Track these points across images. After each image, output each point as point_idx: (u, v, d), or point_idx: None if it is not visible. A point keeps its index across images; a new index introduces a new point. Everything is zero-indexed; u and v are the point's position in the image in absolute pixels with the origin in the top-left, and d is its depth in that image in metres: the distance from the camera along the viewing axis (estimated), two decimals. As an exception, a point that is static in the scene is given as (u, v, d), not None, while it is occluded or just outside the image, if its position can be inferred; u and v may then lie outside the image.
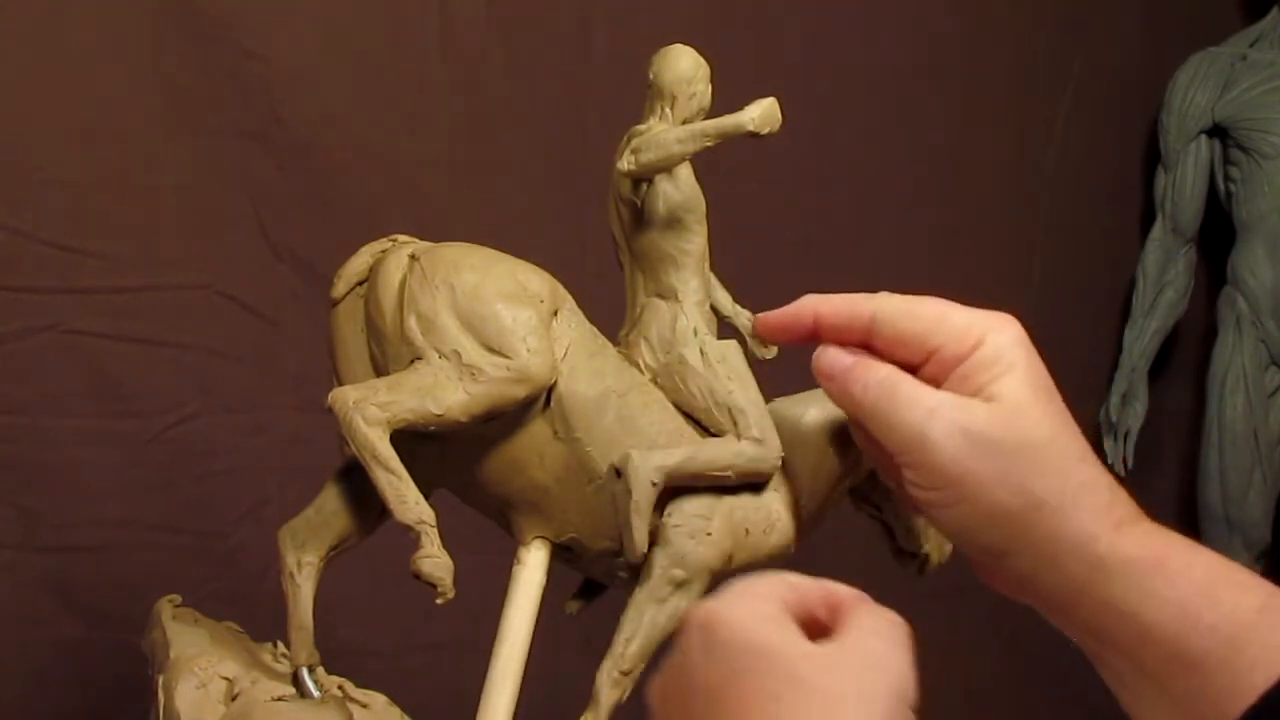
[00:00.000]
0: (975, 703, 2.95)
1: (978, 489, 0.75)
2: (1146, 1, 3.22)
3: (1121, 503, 0.79)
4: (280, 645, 1.85)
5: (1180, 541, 0.77)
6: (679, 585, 1.77)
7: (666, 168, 1.80)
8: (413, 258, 1.77)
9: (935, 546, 1.83)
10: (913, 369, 0.82)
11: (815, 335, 0.86)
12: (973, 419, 0.77)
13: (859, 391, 0.80)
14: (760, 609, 0.69)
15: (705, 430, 1.82)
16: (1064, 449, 0.78)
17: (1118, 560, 0.74)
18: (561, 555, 1.84)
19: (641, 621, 1.77)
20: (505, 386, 1.69)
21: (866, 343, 0.84)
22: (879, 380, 0.80)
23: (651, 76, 1.85)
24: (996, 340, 0.80)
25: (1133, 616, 0.72)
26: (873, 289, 2.88)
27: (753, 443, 1.79)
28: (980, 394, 0.78)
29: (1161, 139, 3.21)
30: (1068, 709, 2.65)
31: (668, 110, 1.82)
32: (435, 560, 1.65)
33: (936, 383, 0.81)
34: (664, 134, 1.78)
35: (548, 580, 1.82)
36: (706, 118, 1.83)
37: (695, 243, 1.85)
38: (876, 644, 0.68)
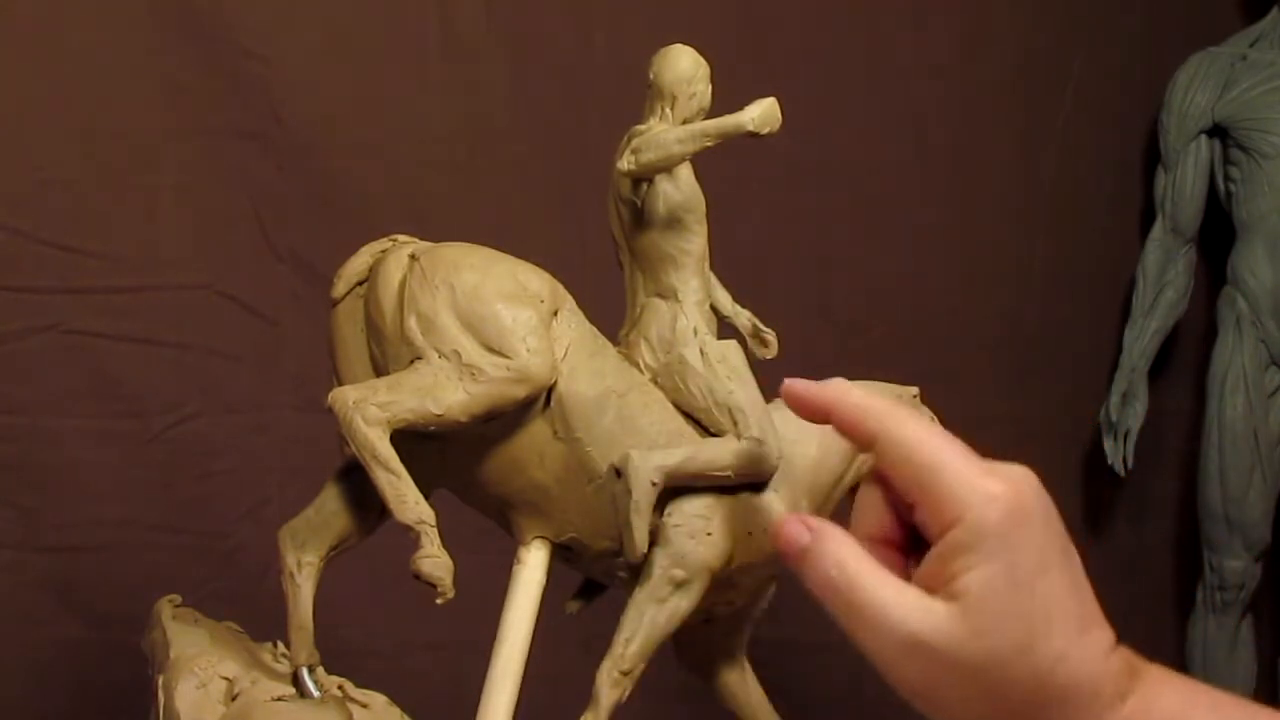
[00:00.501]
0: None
1: (948, 702, 0.70)
2: (1146, 1, 3.22)
3: (1113, 680, 0.71)
4: (280, 645, 1.85)
5: (1183, 701, 0.72)
6: (679, 585, 1.77)
7: (666, 167, 1.80)
8: (413, 258, 1.77)
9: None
10: (909, 508, 0.75)
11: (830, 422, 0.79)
12: (932, 631, 0.68)
13: (815, 579, 0.71)
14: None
15: (705, 430, 1.82)
16: (1039, 656, 0.69)
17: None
18: (561, 555, 1.84)
19: (641, 621, 1.77)
20: (505, 386, 1.69)
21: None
22: (833, 573, 0.71)
23: (651, 76, 1.85)
24: (979, 521, 0.69)
25: None
26: (872, 290, 2.87)
27: (753, 443, 1.79)
28: (950, 584, 0.69)
29: (1161, 139, 3.20)
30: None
31: (668, 110, 1.83)
32: (435, 560, 1.65)
33: (929, 532, 0.72)
34: (664, 134, 1.78)
35: (548, 580, 1.82)
36: (706, 117, 1.83)
37: (695, 243, 1.85)
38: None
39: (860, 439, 0.75)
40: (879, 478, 0.75)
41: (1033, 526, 0.71)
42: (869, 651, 0.70)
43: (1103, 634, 0.72)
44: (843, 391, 0.76)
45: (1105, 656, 0.71)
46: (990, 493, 0.70)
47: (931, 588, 0.70)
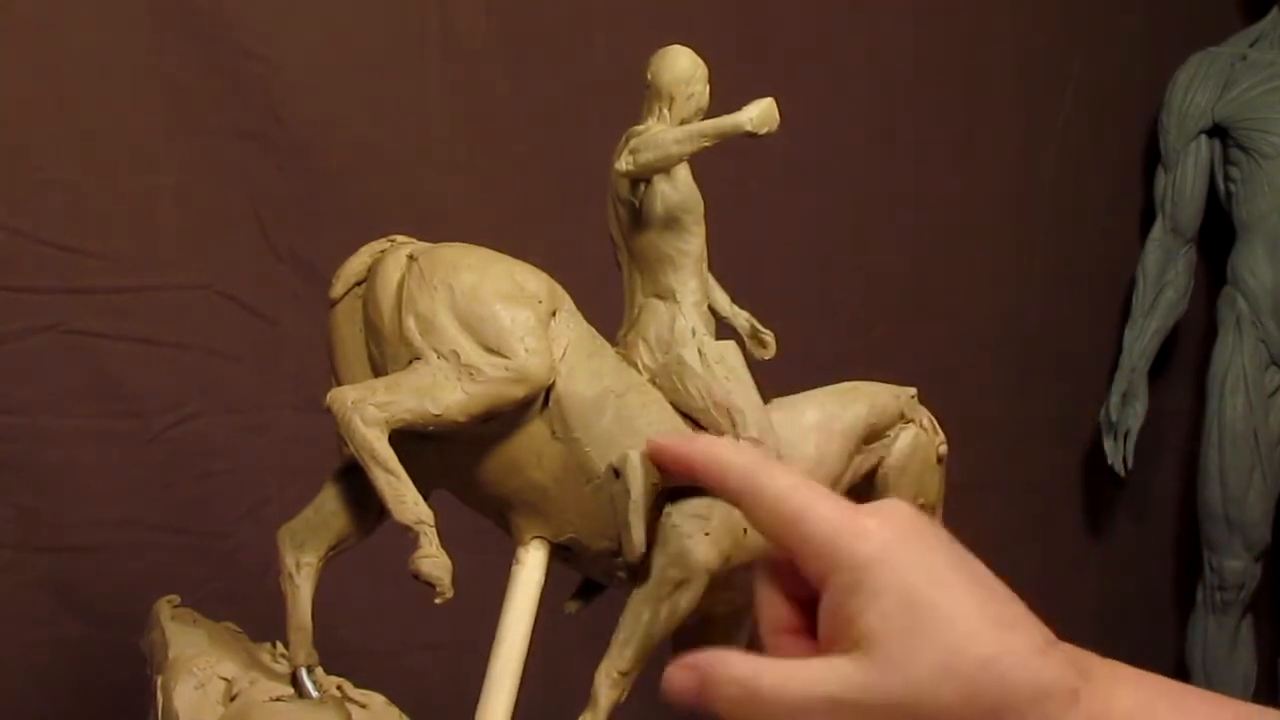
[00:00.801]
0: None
1: None
2: (1146, 1, 3.22)
3: (1058, 677, 0.66)
4: (279, 645, 1.85)
5: (1144, 697, 0.68)
6: (678, 585, 1.78)
7: (665, 168, 1.81)
8: (411, 258, 1.77)
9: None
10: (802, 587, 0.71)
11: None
12: (843, 686, 0.65)
13: (725, 708, 0.67)
14: None
15: (704, 430, 1.82)
16: (963, 669, 0.65)
17: None
18: (560, 555, 1.84)
19: (640, 622, 1.77)
20: (503, 386, 1.69)
21: None
22: (733, 691, 0.67)
23: (650, 77, 1.85)
24: (856, 557, 0.66)
25: None
26: (871, 290, 2.87)
27: (751, 443, 1.79)
28: (849, 634, 0.66)
29: (1161, 139, 3.20)
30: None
31: (666, 111, 1.83)
32: (434, 560, 1.65)
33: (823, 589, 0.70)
34: (662, 134, 1.79)
35: (547, 580, 1.82)
36: (705, 118, 1.83)
37: (693, 243, 1.85)
38: None
39: (727, 496, 0.72)
40: (766, 566, 0.72)
41: (915, 548, 0.67)
42: None
43: (1033, 630, 0.66)
44: (705, 448, 0.73)
45: (1041, 652, 0.65)
46: (862, 528, 0.67)
47: (833, 647, 0.67)
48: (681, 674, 0.69)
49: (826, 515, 0.67)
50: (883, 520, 0.67)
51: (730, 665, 0.68)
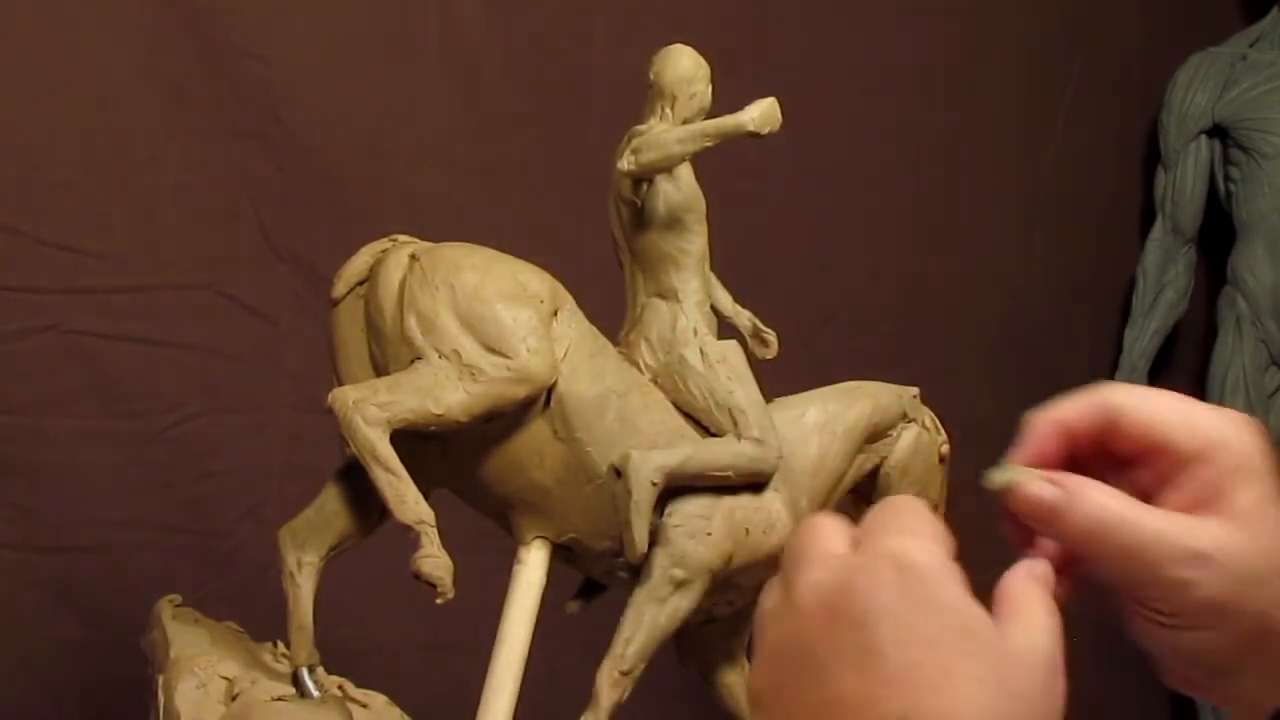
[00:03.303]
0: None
1: (1223, 619, 0.70)
2: (1146, 1, 3.22)
3: None
4: (280, 645, 1.85)
5: None
6: (679, 585, 1.77)
7: (667, 168, 1.81)
8: (413, 258, 1.77)
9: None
10: (1132, 466, 0.76)
11: (1067, 452, 0.78)
12: (1213, 543, 0.70)
13: (1078, 527, 0.71)
14: (952, 571, 0.67)
15: (705, 430, 1.82)
16: None
17: None
18: (561, 555, 1.84)
19: (642, 622, 1.77)
20: (505, 386, 1.69)
21: (1105, 439, 0.78)
22: (1098, 514, 0.72)
23: (652, 77, 1.85)
24: (1238, 443, 0.73)
25: None
26: (872, 290, 2.88)
27: (753, 443, 1.79)
28: (1218, 502, 0.71)
29: (1161, 139, 3.20)
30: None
31: (668, 110, 1.83)
32: (435, 560, 1.65)
33: (1164, 481, 0.74)
34: (664, 134, 1.79)
35: (548, 580, 1.82)
36: (707, 118, 1.83)
37: (695, 243, 1.85)
38: (1055, 655, 0.67)
39: (1099, 418, 0.78)
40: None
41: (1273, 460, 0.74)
42: (1147, 583, 0.70)
43: None
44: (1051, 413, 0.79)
45: None
46: (1242, 420, 0.75)
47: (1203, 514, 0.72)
48: (1040, 486, 0.73)
49: (1204, 407, 0.76)
50: (1249, 423, 0.76)
51: (1098, 492, 0.73)
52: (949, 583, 0.66)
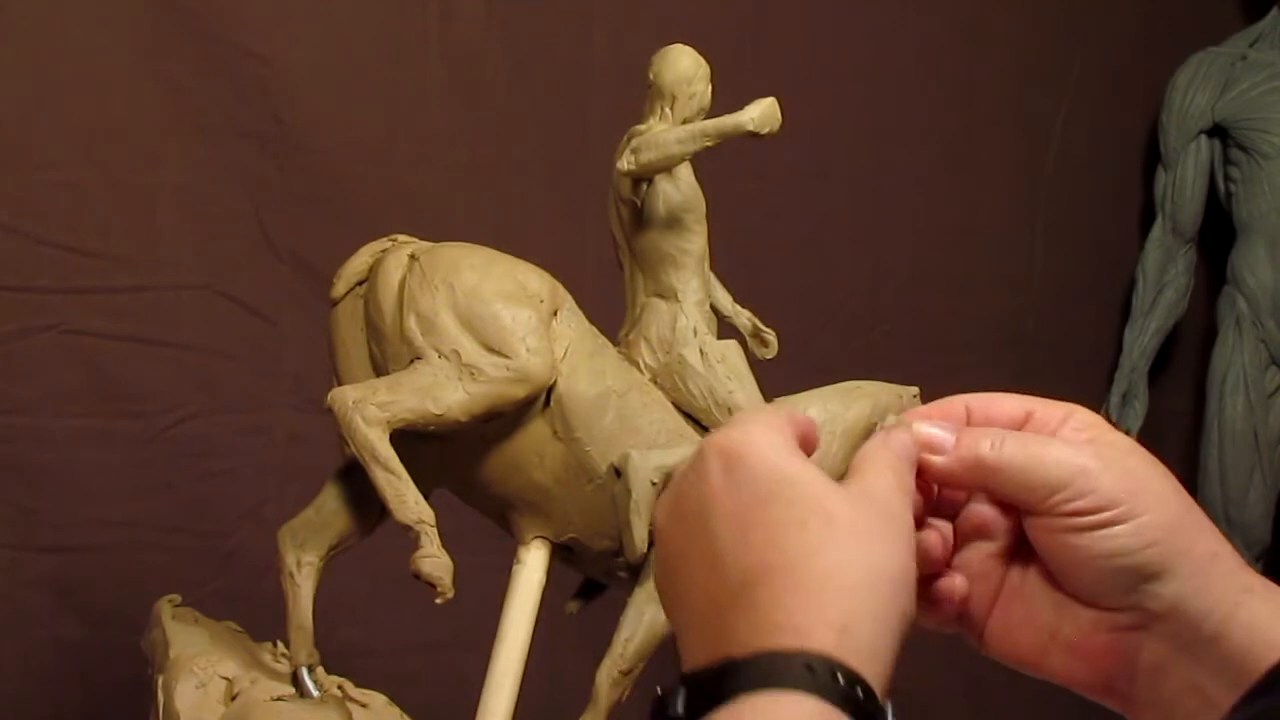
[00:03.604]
0: (975, 702, 2.95)
1: (1148, 502, 0.74)
2: (1146, 1, 3.22)
3: None
4: (280, 645, 1.85)
5: None
6: (679, 585, 1.78)
7: (666, 167, 1.81)
8: (412, 257, 1.77)
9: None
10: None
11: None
12: (1122, 448, 0.76)
13: (988, 449, 0.76)
14: (779, 440, 0.71)
15: (705, 430, 1.82)
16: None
17: (1260, 584, 0.74)
18: (561, 555, 1.84)
19: (641, 621, 1.77)
20: (505, 386, 1.69)
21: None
22: (1004, 434, 0.77)
23: (651, 76, 1.85)
24: (1086, 414, 0.79)
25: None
26: (873, 290, 2.88)
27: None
28: (1094, 444, 0.77)
29: (1161, 139, 3.20)
30: (1069, 708, 2.64)
31: (668, 110, 1.83)
32: (435, 560, 1.65)
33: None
34: (664, 134, 1.79)
35: (548, 580, 1.82)
36: (706, 117, 1.83)
37: (695, 243, 1.85)
38: (892, 500, 0.71)
39: (956, 416, 0.81)
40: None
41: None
42: (1072, 477, 0.74)
43: None
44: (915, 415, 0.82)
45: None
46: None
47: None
48: (939, 425, 0.78)
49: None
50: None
51: (981, 427, 0.78)
52: (765, 450, 0.69)
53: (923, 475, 0.76)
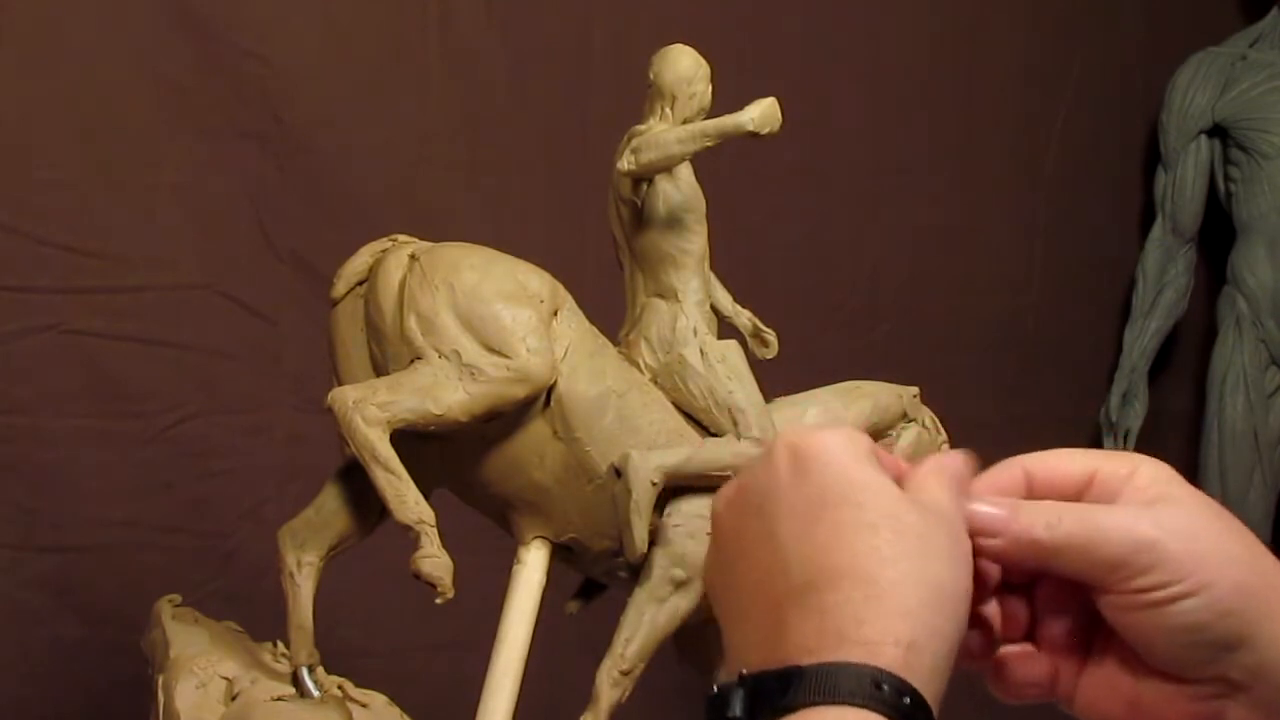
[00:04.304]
0: (976, 700, 2.95)
1: (1219, 568, 0.70)
2: (1146, 1, 3.22)
3: None
4: (280, 645, 1.85)
5: None
6: (679, 585, 1.78)
7: (667, 167, 1.81)
8: (412, 257, 1.77)
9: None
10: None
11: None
12: (1189, 507, 0.72)
13: (1043, 529, 0.71)
14: (853, 447, 0.70)
15: (705, 430, 1.82)
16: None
17: None
18: (561, 555, 1.84)
19: (641, 621, 1.77)
20: (505, 386, 1.69)
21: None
22: (1061, 510, 0.72)
23: (652, 76, 1.85)
24: (1152, 467, 0.74)
25: None
26: (873, 290, 2.88)
27: (753, 443, 1.79)
28: (1159, 504, 0.73)
29: (1161, 139, 3.20)
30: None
31: (668, 110, 1.83)
32: (435, 560, 1.65)
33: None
34: (664, 134, 1.79)
35: (548, 580, 1.82)
36: (706, 118, 1.83)
37: (695, 243, 1.85)
38: (956, 520, 0.69)
39: (1014, 482, 0.76)
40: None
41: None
42: (1139, 549, 0.70)
43: None
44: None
45: None
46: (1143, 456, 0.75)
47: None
48: (991, 503, 0.72)
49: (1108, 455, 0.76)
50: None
51: (1042, 506, 0.72)
52: (839, 453, 0.68)
53: (981, 556, 0.72)
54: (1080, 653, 0.74)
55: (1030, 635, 0.74)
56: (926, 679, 0.64)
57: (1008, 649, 0.73)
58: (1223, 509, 0.73)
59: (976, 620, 0.72)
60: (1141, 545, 0.70)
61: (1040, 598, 0.74)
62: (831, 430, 0.70)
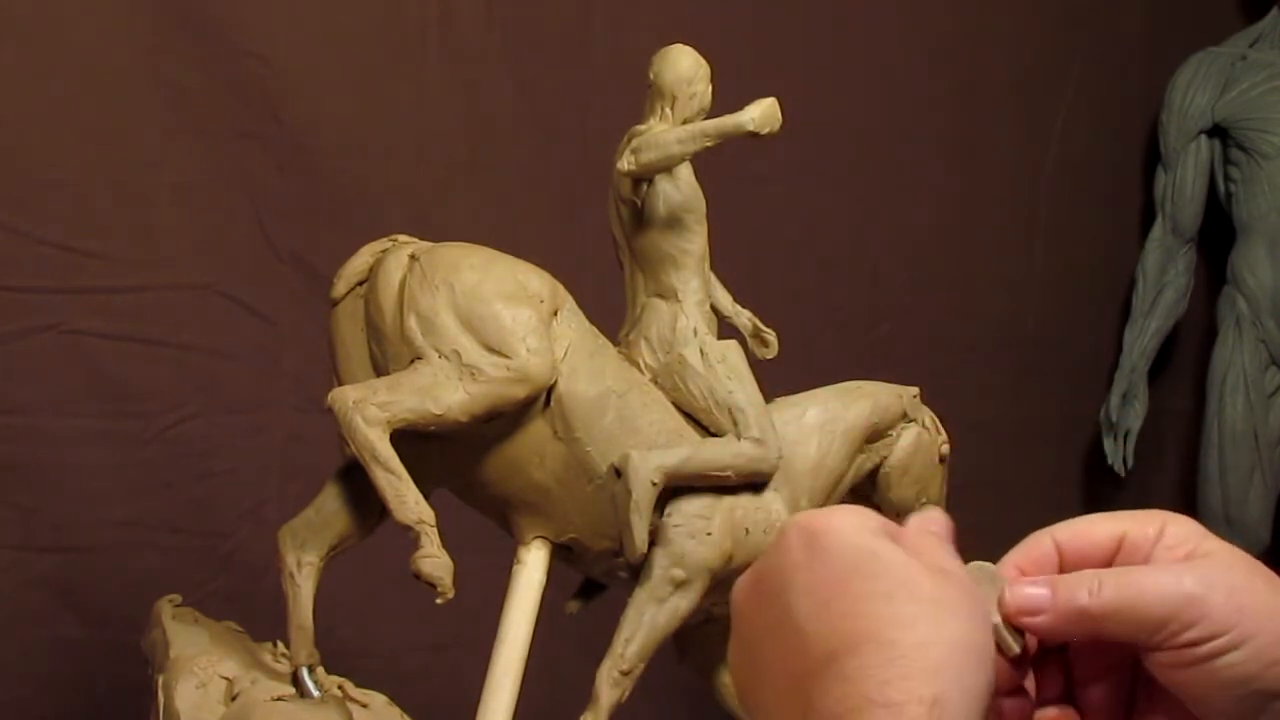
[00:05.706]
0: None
1: (1262, 619, 0.71)
2: (1146, 2, 3.23)
3: None
4: (280, 645, 1.85)
5: None
6: (679, 585, 1.78)
7: (667, 167, 1.81)
8: (413, 257, 1.77)
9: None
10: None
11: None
12: (1225, 561, 0.73)
13: (1087, 598, 0.72)
14: (861, 521, 0.71)
15: (705, 430, 1.82)
16: None
17: None
18: (561, 555, 1.84)
19: (641, 621, 1.77)
20: (505, 386, 1.69)
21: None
22: (1100, 576, 0.73)
23: (652, 76, 1.85)
24: (1179, 524, 0.75)
25: None
26: (873, 290, 2.88)
27: (753, 443, 1.79)
28: (1194, 559, 0.74)
29: (1161, 139, 3.20)
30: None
31: (668, 110, 1.83)
32: (435, 560, 1.65)
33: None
34: (664, 134, 1.79)
35: (548, 580, 1.82)
36: (707, 118, 1.83)
37: (695, 243, 1.85)
38: (964, 576, 0.70)
39: (1046, 555, 0.76)
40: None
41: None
42: (1182, 606, 0.70)
43: None
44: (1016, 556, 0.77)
45: None
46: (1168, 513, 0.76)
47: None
48: (1029, 583, 0.73)
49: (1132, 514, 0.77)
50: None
51: (1082, 576, 0.73)
52: (850, 531, 0.69)
53: (1028, 633, 0.73)
54: (1122, 714, 0.75)
55: (1068, 697, 0.74)
56: None
57: (1045, 713, 0.73)
58: (1256, 561, 0.73)
59: (1015, 688, 0.72)
60: (1185, 601, 0.70)
61: (1077, 661, 0.75)
62: (841, 509, 0.71)
